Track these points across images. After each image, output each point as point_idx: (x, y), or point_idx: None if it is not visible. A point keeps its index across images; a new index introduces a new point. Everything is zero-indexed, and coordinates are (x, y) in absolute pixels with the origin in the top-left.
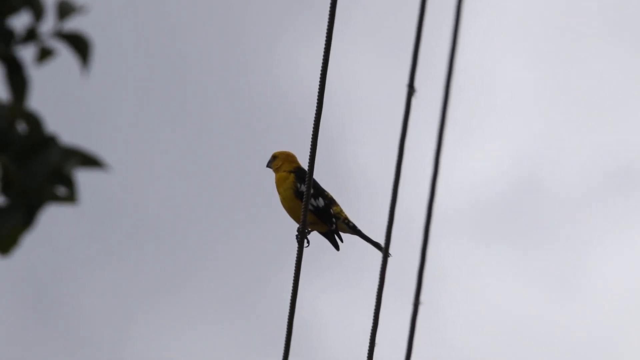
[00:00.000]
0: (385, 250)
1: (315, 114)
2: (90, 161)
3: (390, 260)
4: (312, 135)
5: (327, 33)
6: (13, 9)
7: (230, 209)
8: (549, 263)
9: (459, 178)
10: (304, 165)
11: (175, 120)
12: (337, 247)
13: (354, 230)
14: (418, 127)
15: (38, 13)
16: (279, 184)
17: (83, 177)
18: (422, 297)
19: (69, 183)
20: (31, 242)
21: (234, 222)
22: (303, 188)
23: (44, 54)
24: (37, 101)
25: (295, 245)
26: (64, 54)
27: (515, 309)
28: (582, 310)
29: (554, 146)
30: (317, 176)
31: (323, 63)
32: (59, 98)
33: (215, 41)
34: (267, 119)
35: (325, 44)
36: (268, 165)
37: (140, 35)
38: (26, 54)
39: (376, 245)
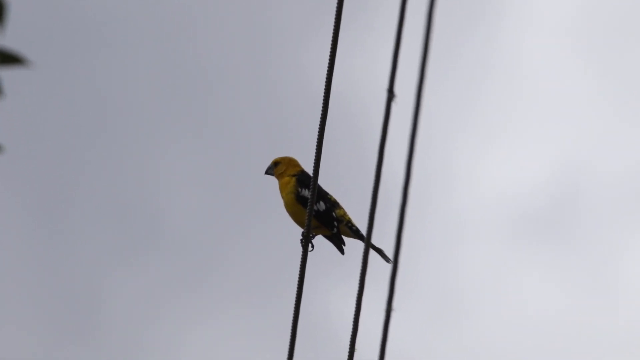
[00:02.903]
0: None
1: (321, 117)
2: (10, 58)
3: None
4: (318, 138)
5: (332, 36)
6: None
7: (250, 214)
8: (586, 267)
9: (497, 181)
10: (307, 169)
11: (195, 124)
12: (342, 251)
13: (357, 234)
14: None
15: None
16: (281, 189)
17: (107, 182)
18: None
19: None
20: (56, 245)
21: (253, 228)
22: (304, 192)
23: None
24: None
25: (300, 249)
26: None
27: (553, 312)
28: (621, 316)
29: (594, 150)
30: (322, 180)
31: (329, 66)
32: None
33: (238, 46)
34: (288, 123)
35: (331, 49)
36: (268, 172)
37: (160, 39)
38: None
39: (378, 251)
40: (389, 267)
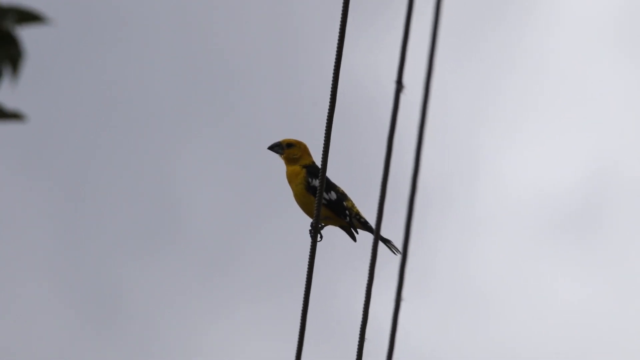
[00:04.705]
0: (374, 248)
1: (329, 109)
2: (29, 16)
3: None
4: (326, 129)
5: (341, 22)
6: None
7: (269, 207)
8: (609, 266)
9: (521, 175)
10: (317, 159)
11: (216, 117)
12: (354, 239)
13: (365, 226)
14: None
15: None
16: (290, 179)
17: (127, 174)
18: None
19: (12, 41)
20: (77, 237)
21: (272, 220)
22: (315, 182)
23: None
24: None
25: (309, 240)
26: None
27: (572, 309)
28: None
29: (625, 149)
30: (333, 173)
31: (337, 56)
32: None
33: (259, 39)
34: (310, 118)
35: (339, 42)
36: (276, 150)
37: (180, 32)
38: None
39: (386, 242)
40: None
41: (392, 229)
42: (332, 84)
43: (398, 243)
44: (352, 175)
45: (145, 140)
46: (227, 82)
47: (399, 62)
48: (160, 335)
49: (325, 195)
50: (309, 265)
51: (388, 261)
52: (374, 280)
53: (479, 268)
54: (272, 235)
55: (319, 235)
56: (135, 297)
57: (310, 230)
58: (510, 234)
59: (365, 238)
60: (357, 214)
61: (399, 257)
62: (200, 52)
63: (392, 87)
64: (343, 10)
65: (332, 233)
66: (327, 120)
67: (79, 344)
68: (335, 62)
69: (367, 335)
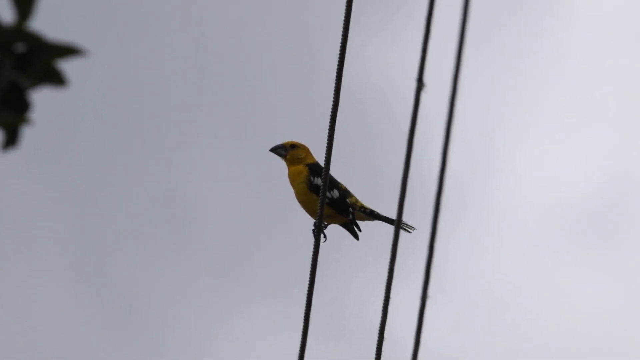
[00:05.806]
0: (393, 252)
1: (333, 105)
2: (67, 51)
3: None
4: (329, 127)
5: (344, 22)
6: None
7: (282, 206)
8: (624, 269)
9: (537, 174)
10: (318, 159)
11: (228, 115)
12: (356, 237)
13: (372, 215)
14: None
15: None
16: (292, 178)
17: (139, 172)
18: (431, 291)
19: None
20: (88, 237)
21: (285, 219)
22: (317, 181)
23: None
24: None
25: (312, 239)
26: None
27: (587, 310)
28: None
29: None
30: (353, 170)
31: (340, 55)
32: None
33: (273, 38)
34: (323, 117)
35: (343, 34)
36: (279, 153)
37: (193, 31)
38: None
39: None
40: (422, 256)
41: (417, 229)
42: (337, 77)
43: (424, 238)
44: (368, 174)
45: (158, 140)
46: (239, 82)
47: (420, 61)
48: (172, 332)
49: (327, 193)
50: (312, 265)
51: (402, 260)
52: (393, 278)
53: (493, 269)
54: (285, 234)
55: (323, 236)
56: (148, 295)
57: (313, 230)
58: (526, 235)
59: (373, 233)
60: (362, 206)
61: (420, 256)
62: (211, 52)
63: (408, 86)
64: (347, 9)
65: (341, 233)
66: (331, 116)
67: (92, 341)
68: (340, 55)
69: (385, 334)
